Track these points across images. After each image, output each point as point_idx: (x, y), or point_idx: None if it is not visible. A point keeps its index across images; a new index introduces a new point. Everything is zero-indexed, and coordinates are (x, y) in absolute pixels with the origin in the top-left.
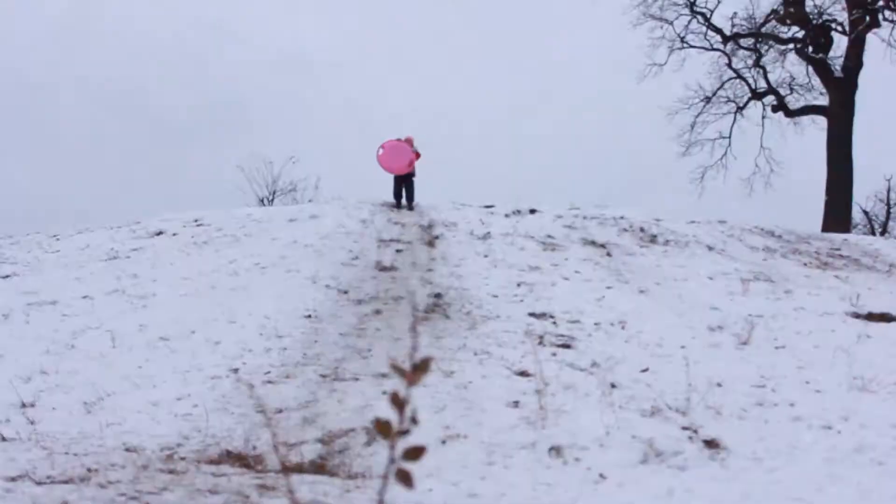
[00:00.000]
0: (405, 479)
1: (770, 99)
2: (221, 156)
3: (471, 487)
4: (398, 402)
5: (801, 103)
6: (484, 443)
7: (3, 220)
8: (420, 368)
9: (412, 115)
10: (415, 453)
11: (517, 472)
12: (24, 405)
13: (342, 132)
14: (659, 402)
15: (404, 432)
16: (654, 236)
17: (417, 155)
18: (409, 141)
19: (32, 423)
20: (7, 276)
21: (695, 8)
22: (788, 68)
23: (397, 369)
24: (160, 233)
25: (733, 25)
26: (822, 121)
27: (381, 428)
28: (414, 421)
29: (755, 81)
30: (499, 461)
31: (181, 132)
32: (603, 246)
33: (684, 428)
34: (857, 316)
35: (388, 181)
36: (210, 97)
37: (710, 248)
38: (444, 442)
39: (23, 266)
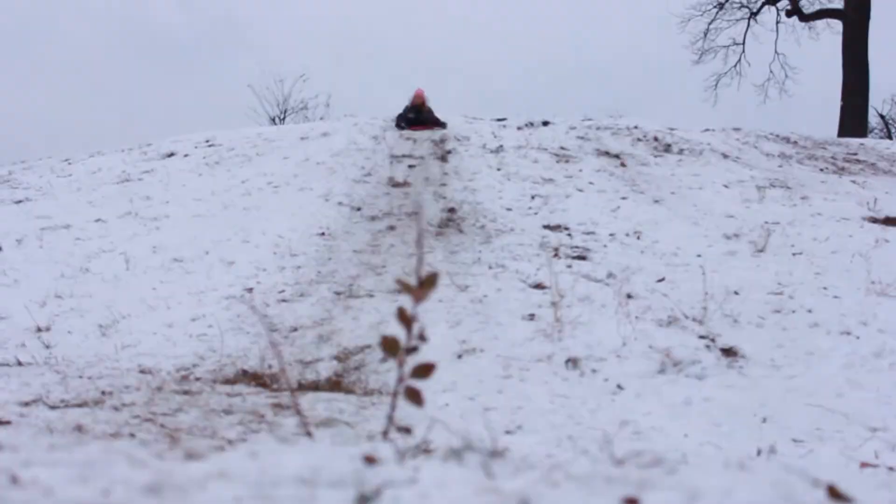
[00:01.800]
0: (414, 397)
1: (784, 3)
2: (230, 76)
3: (487, 401)
4: (405, 319)
5: (816, 7)
6: (500, 356)
7: (14, 148)
8: (427, 284)
9: (423, 29)
10: (424, 371)
11: (533, 384)
12: (39, 329)
13: (352, 48)
14: (676, 312)
15: (412, 350)
16: (669, 145)
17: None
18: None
19: (48, 347)
20: (20, 201)
21: None
22: None
23: (404, 286)
24: (172, 154)
25: None
26: (837, 24)
27: (388, 346)
28: (422, 338)
29: None
30: (515, 374)
31: (186, 52)
32: (617, 156)
33: (701, 337)
34: (874, 220)
35: (399, 97)
36: (211, 14)
37: (725, 156)
38: (459, 356)
39: (35, 191)
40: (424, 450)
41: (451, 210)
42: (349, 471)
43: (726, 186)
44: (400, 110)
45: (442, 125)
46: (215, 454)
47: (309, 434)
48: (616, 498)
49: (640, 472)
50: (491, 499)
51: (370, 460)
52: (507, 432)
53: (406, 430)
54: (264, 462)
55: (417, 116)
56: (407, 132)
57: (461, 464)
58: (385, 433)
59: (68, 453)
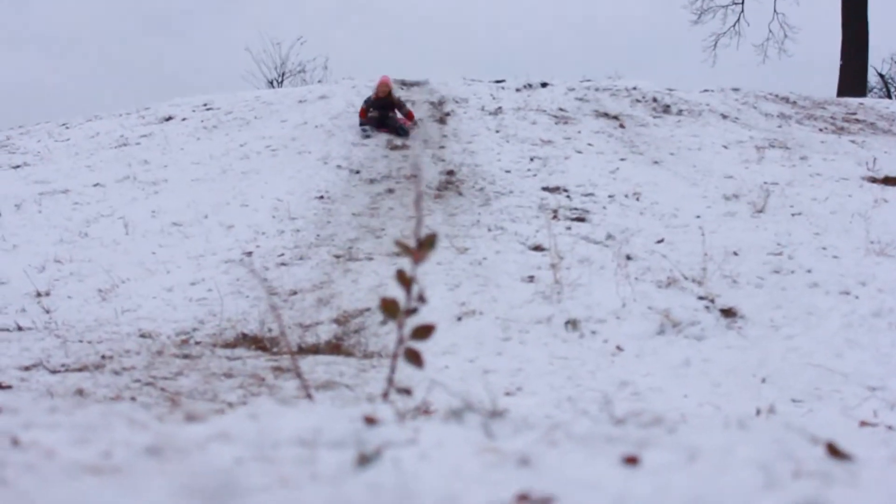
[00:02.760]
0: (415, 358)
1: None
2: (227, 39)
3: (487, 363)
4: (405, 281)
5: None
6: (499, 318)
7: (12, 113)
8: (426, 245)
9: None
10: (423, 332)
11: (533, 346)
12: (39, 294)
13: (350, 9)
14: (675, 273)
15: (412, 311)
16: (668, 106)
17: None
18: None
19: (48, 311)
20: (18, 166)
21: None
22: None
23: (403, 247)
24: (170, 118)
25: None
26: None
27: (388, 307)
28: (421, 299)
29: None
30: (515, 336)
31: (183, 15)
32: (616, 118)
33: (701, 298)
34: (873, 180)
35: (399, 59)
36: None
37: (724, 117)
38: (459, 319)
39: (33, 156)
40: (424, 411)
41: (450, 172)
42: (349, 431)
43: (725, 147)
44: (364, 98)
45: (408, 126)
46: (215, 416)
47: (309, 396)
48: (616, 456)
49: (639, 431)
50: (491, 458)
51: (370, 421)
52: (507, 394)
53: (406, 392)
54: (264, 424)
55: (382, 114)
56: (370, 129)
57: (461, 424)
58: (385, 395)
59: (69, 416)
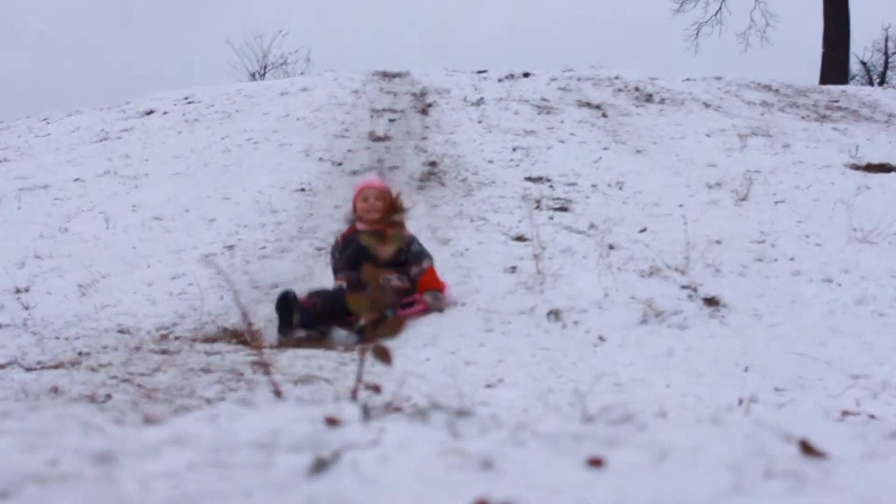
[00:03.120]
0: (383, 356)
1: None
2: (208, 32)
3: (469, 355)
4: (371, 276)
5: None
6: (481, 309)
7: None
8: (394, 229)
9: None
10: (393, 328)
11: (515, 337)
12: (18, 291)
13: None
14: (657, 262)
15: (381, 307)
16: (650, 95)
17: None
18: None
19: (27, 308)
20: None
21: None
22: None
23: (370, 243)
24: (151, 112)
25: None
26: None
27: (355, 304)
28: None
29: None
30: (497, 327)
31: (164, 7)
32: (598, 107)
33: (683, 287)
34: (856, 167)
35: (380, 51)
36: None
37: (707, 105)
38: (440, 310)
39: (13, 151)
40: (395, 408)
41: (433, 164)
42: (308, 434)
43: (708, 136)
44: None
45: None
46: (174, 418)
47: (278, 394)
48: (582, 457)
49: (609, 429)
50: (454, 461)
51: (332, 422)
52: (488, 385)
53: (375, 389)
54: (223, 426)
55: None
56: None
57: (427, 424)
58: (354, 392)
59: (20, 421)
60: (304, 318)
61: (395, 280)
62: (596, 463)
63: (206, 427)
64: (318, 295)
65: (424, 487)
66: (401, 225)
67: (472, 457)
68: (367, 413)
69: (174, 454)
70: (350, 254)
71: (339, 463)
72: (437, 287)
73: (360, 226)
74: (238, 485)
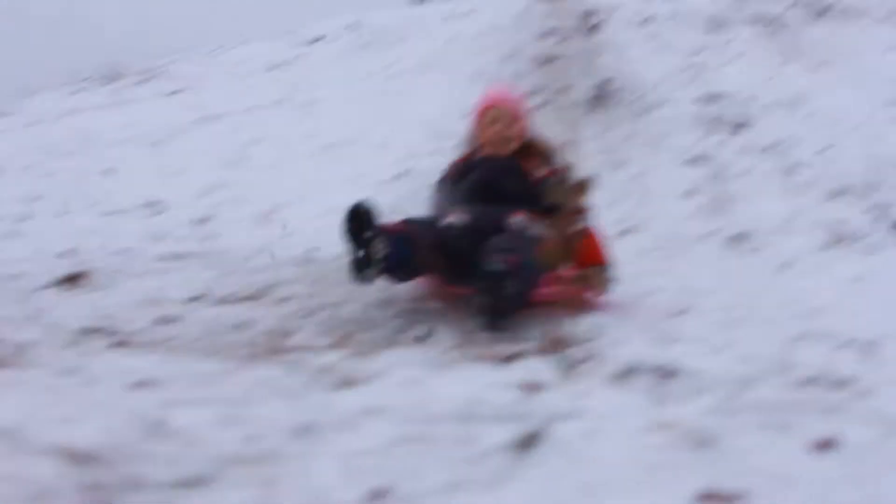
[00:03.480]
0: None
1: None
2: None
3: (650, 283)
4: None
5: None
6: (660, 235)
7: (166, 42)
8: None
9: None
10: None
11: (696, 264)
12: (199, 221)
13: None
14: (842, 183)
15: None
16: (828, 7)
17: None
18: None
19: (208, 238)
20: (174, 93)
21: None
22: None
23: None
24: (319, 39)
25: None
26: None
27: (550, 254)
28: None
29: None
30: (677, 254)
31: None
32: (774, 21)
33: (870, 209)
34: None
35: None
36: None
37: (890, 17)
38: (619, 236)
39: (188, 81)
40: (589, 362)
41: (602, 85)
42: (508, 402)
43: (892, 48)
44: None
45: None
46: (368, 382)
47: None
48: (806, 435)
49: (828, 395)
50: (666, 436)
51: (530, 387)
52: (673, 315)
53: (561, 345)
54: (419, 393)
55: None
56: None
57: (628, 388)
58: (545, 348)
59: (216, 387)
60: (398, 253)
61: (539, 228)
62: (825, 445)
63: (401, 394)
64: (417, 224)
65: (640, 471)
66: (582, 212)
67: (685, 432)
68: (564, 374)
69: (374, 427)
70: (471, 184)
71: (544, 438)
72: (600, 260)
73: (486, 150)
74: (442, 461)
